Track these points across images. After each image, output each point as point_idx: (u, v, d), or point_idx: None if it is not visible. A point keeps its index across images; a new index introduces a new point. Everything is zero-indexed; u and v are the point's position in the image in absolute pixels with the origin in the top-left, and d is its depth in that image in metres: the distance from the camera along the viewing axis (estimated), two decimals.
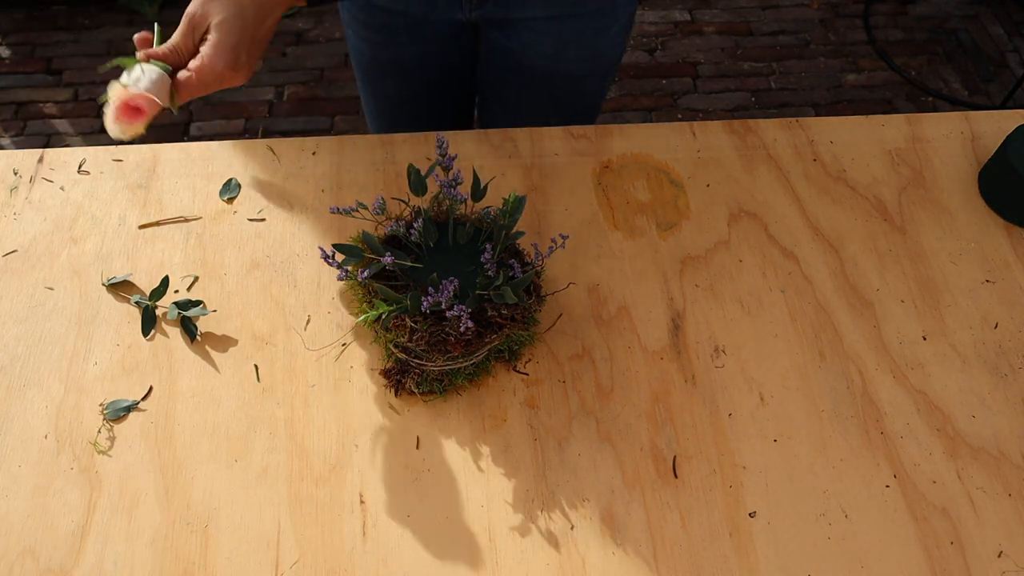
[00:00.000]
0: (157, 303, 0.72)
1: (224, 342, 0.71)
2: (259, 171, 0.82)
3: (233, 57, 0.64)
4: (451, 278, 0.61)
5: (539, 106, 0.99)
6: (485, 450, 0.66)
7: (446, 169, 0.66)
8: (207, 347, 0.71)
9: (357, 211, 0.65)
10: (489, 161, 0.84)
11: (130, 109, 0.62)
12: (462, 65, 0.99)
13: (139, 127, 0.64)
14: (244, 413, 0.68)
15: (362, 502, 0.64)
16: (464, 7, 0.87)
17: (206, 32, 0.65)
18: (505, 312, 0.62)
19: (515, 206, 0.64)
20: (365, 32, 0.93)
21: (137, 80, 0.62)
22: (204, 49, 0.64)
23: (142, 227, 0.78)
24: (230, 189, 0.81)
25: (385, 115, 1.07)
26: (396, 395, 0.69)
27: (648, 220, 0.80)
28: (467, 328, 0.61)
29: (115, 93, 0.63)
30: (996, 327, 0.74)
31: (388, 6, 0.89)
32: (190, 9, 0.65)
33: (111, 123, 0.63)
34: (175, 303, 0.72)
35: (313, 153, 0.84)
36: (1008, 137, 0.79)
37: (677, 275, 0.76)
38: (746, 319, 0.74)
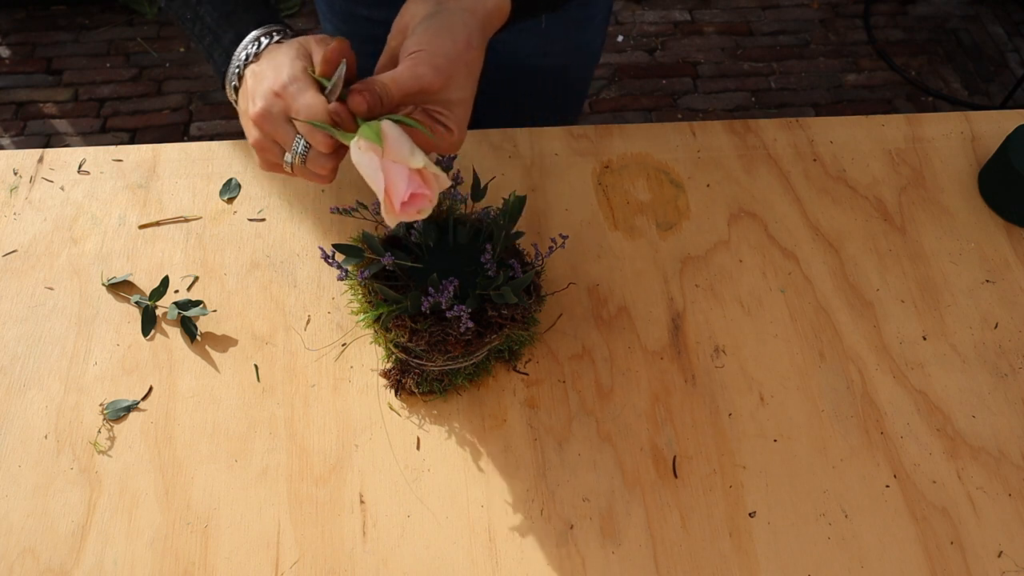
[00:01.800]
0: (157, 303, 0.72)
1: (224, 342, 0.71)
2: (259, 171, 0.82)
3: (465, 34, 0.51)
4: (451, 278, 0.61)
5: (524, 100, 0.98)
6: (485, 450, 0.66)
7: (446, 169, 0.66)
8: (207, 347, 0.71)
9: (357, 211, 0.65)
10: (489, 161, 0.84)
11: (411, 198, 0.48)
12: None
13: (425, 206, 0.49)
14: (244, 413, 0.68)
15: (362, 502, 0.64)
16: None
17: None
18: (505, 312, 0.62)
19: (515, 206, 0.64)
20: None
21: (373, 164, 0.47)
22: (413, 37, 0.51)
23: (142, 227, 0.78)
24: (230, 189, 0.80)
25: None
26: (396, 395, 0.69)
27: (648, 220, 0.80)
28: (467, 328, 0.61)
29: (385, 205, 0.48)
30: (996, 327, 0.74)
31: (371, 15, 0.88)
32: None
33: (388, 215, 0.49)
34: (175, 303, 0.72)
35: None
36: (1008, 137, 0.79)
37: (677, 275, 0.76)
38: (746, 319, 0.74)
